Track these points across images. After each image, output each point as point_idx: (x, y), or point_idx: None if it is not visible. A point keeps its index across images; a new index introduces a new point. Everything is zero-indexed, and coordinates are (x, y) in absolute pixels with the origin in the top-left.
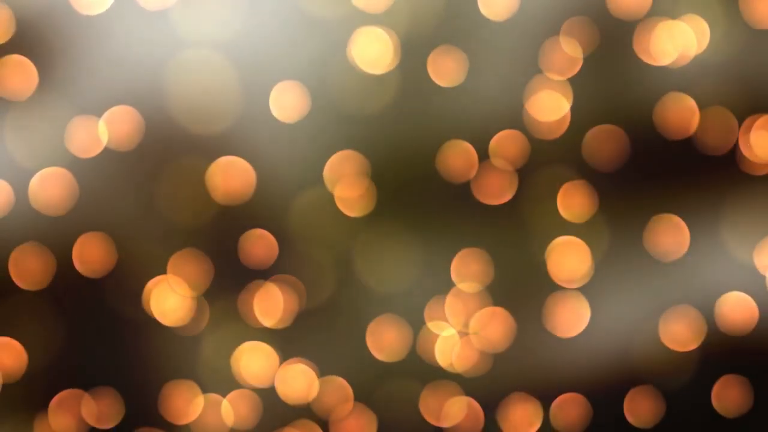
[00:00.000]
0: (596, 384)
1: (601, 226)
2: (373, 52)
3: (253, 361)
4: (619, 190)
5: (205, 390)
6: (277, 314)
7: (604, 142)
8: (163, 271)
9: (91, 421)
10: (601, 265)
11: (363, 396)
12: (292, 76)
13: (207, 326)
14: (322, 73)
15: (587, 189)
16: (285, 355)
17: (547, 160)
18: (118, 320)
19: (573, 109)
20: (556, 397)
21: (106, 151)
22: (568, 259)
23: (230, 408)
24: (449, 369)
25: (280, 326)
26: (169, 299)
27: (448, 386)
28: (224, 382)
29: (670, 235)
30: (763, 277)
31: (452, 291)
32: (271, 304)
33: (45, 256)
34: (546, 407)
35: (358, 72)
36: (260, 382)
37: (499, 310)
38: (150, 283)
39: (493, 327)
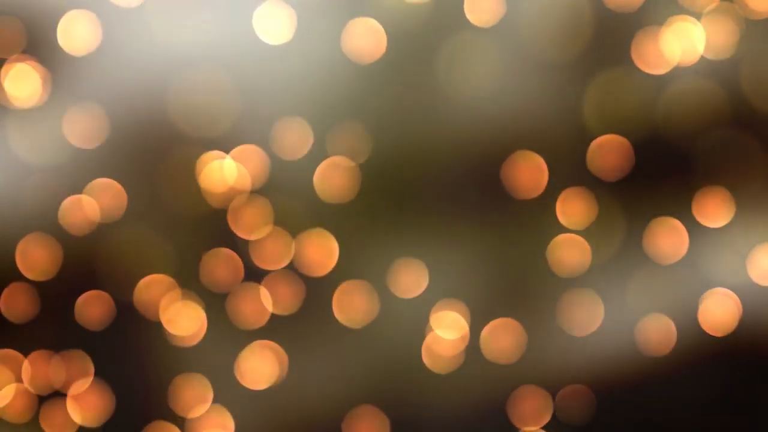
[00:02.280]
0: (602, 379)
1: (602, 228)
2: (365, 43)
3: (257, 362)
4: (619, 195)
5: (208, 391)
6: (279, 313)
7: (606, 149)
8: (162, 268)
9: (96, 414)
10: (603, 266)
11: (371, 397)
12: (292, 78)
13: (208, 326)
14: (316, 69)
15: (587, 194)
16: (288, 356)
17: (547, 165)
18: (118, 313)
19: (569, 112)
20: (562, 391)
21: (106, 147)
22: (570, 254)
23: (235, 410)
24: (453, 368)
25: (282, 327)
26: (173, 307)
27: (453, 382)
28: (227, 383)
29: (670, 238)
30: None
31: (456, 291)
32: (272, 304)
33: (52, 248)
34: (554, 401)
35: (350, 65)
36: (264, 384)
37: (504, 311)
38: (148, 281)
39: (499, 326)
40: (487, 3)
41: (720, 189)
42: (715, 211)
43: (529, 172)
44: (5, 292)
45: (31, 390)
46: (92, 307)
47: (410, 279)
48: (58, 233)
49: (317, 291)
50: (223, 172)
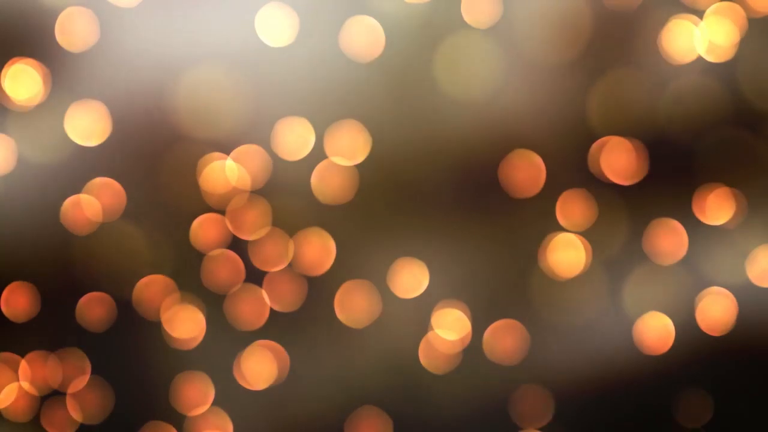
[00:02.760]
0: (602, 379)
1: (603, 227)
2: (363, 43)
3: (257, 362)
4: (619, 195)
5: (208, 391)
6: (279, 314)
7: (606, 149)
8: (162, 269)
9: (96, 412)
10: (604, 265)
11: (373, 397)
12: (292, 78)
13: (208, 326)
14: (315, 69)
15: (588, 195)
16: (289, 356)
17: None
18: (119, 312)
19: (568, 112)
20: (563, 391)
21: (107, 146)
22: (570, 253)
23: (234, 411)
24: (454, 368)
25: (283, 327)
26: (173, 309)
27: (454, 382)
28: (227, 384)
29: (670, 238)
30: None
31: (457, 291)
32: (272, 304)
33: (52, 247)
34: (555, 401)
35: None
36: (264, 384)
37: (504, 311)
38: (148, 281)
39: (500, 326)
40: (484, 3)
41: (719, 189)
42: (714, 210)
43: (527, 171)
44: (5, 291)
45: (32, 389)
46: (93, 309)
47: (411, 279)
48: (58, 233)
49: (318, 291)
50: (224, 172)
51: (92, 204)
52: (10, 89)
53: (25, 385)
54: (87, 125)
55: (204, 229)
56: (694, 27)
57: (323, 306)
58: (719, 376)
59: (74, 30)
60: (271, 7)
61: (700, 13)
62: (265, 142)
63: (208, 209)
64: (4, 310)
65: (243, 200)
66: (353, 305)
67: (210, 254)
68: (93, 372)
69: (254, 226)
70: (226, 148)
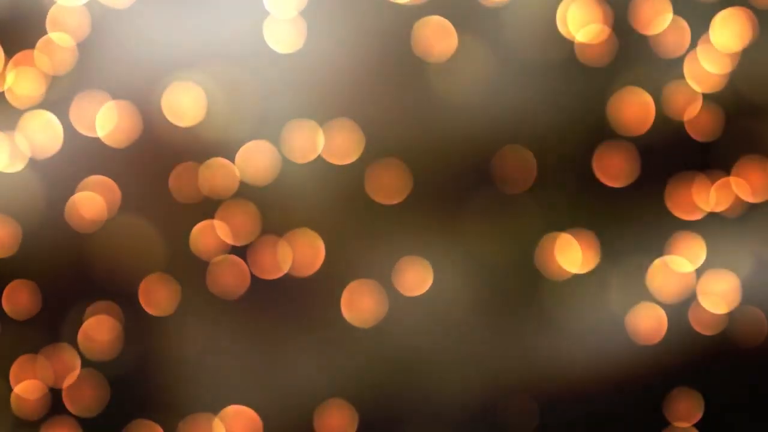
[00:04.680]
0: (598, 378)
1: (602, 226)
2: (360, 44)
3: (257, 363)
4: (619, 193)
5: (205, 393)
6: (282, 315)
7: (605, 148)
8: (162, 270)
9: (94, 406)
10: (602, 264)
11: (378, 397)
12: (289, 79)
13: (207, 328)
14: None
15: (586, 193)
16: (293, 356)
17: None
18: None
19: (567, 111)
20: (554, 395)
21: (107, 145)
22: (565, 253)
23: (233, 412)
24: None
25: (286, 328)
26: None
27: (459, 381)
28: (225, 386)
29: (665, 237)
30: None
31: (458, 290)
32: (275, 305)
33: (53, 246)
34: (544, 405)
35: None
36: (265, 385)
37: (505, 310)
38: (148, 281)
39: (500, 324)
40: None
41: (717, 186)
42: (711, 208)
43: (523, 169)
44: (6, 290)
45: (33, 386)
46: (98, 318)
47: (415, 277)
48: (58, 231)
49: (321, 292)
50: (225, 174)
51: (91, 203)
52: (8, 87)
53: (27, 382)
54: (86, 124)
55: (205, 232)
56: (697, 21)
57: (328, 306)
58: (711, 374)
59: (73, 28)
60: (276, 12)
61: (700, 11)
62: (268, 144)
63: (209, 211)
64: (5, 308)
65: (244, 202)
66: (359, 305)
67: (211, 257)
68: (90, 367)
69: (255, 227)
70: (227, 150)
